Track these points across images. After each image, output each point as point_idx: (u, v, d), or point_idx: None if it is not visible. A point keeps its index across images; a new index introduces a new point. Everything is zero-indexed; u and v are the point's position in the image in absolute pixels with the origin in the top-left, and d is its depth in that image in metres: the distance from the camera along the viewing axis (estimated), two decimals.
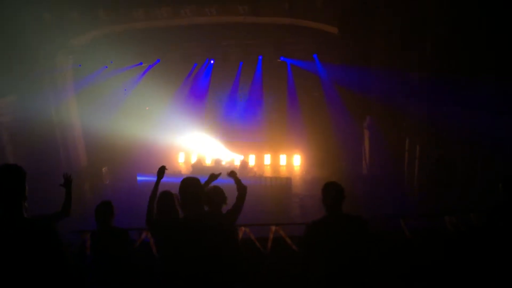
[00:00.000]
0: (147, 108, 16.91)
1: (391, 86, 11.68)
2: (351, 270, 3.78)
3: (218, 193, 4.25)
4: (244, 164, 16.05)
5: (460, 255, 5.62)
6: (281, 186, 14.49)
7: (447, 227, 6.38)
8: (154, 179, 4.52)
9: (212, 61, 15.30)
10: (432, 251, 5.84)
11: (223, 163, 16.39)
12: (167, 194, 4.62)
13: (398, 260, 5.64)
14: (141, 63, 15.94)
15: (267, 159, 17.32)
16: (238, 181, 4.48)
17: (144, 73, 16.36)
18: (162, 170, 4.66)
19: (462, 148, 9.97)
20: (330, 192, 3.92)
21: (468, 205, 7.51)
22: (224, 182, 4.50)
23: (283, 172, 16.64)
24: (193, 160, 17.07)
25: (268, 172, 16.45)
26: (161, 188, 4.56)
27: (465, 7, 9.71)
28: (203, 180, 4.41)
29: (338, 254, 3.77)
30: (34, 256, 2.83)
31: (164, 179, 4.59)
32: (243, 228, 6.34)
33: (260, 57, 14.93)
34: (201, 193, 4.07)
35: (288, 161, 17.13)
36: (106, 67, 15.42)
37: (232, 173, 4.60)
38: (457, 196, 9.39)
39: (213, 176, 4.71)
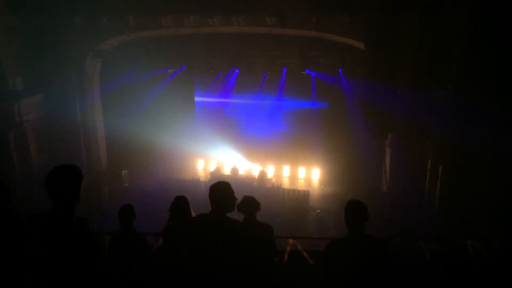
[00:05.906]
0: (169, 114, 17.07)
1: (416, 104, 11.54)
2: None
3: (250, 202, 4.50)
4: (262, 174, 16.01)
5: (480, 281, 5.46)
6: (299, 199, 14.39)
7: (468, 251, 6.21)
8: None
9: (237, 70, 15.32)
10: (452, 276, 5.69)
11: (241, 172, 16.39)
12: (181, 199, 4.66)
13: (417, 283, 5.52)
14: (166, 69, 16.09)
15: (286, 170, 17.28)
16: None
17: (169, 79, 16.52)
18: None
19: (487, 170, 9.73)
20: (354, 211, 3.75)
21: (491, 229, 7.31)
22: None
23: (301, 185, 16.56)
24: (211, 168, 17.13)
25: (286, 184, 16.38)
26: (180, 193, 4.59)
27: (493, 25, 9.56)
28: None
29: (357, 276, 3.65)
30: (74, 256, 2.92)
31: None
32: None
33: (285, 69, 14.91)
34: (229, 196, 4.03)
35: (306, 174, 17.05)
36: (133, 71, 15.60)
37: None
38: (480, 220, 9.15)
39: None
